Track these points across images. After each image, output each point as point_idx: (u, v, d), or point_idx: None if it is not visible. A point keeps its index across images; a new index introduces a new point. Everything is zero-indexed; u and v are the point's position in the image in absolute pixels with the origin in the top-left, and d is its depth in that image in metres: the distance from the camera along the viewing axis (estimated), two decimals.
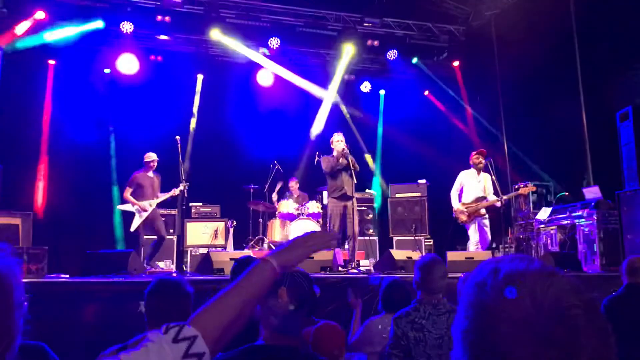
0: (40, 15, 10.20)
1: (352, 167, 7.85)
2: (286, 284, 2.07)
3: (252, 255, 6.70)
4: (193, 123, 12.04)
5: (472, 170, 8.65)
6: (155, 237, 8.52)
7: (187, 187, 8.38)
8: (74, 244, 9.00)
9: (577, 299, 0.80)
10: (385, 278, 4.20)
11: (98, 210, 10.45)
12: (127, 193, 8.60)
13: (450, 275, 3.60)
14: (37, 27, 10.29)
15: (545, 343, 0.77)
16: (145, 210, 8.49)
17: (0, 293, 1.08)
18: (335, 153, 8.07)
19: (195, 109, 12.15)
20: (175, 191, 8.50)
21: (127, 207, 8.65)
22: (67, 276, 6.29)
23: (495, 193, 8.47)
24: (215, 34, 11.19)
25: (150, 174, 8.78)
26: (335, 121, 12.77)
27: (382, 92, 13.66)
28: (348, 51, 12.06)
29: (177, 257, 8.76)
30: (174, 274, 6.64)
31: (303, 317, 2.13)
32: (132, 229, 8.52)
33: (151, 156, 8.83)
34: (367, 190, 11.30)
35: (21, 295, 1.12)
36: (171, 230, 8.39)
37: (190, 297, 2.67)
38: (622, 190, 7.86)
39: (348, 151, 7.93)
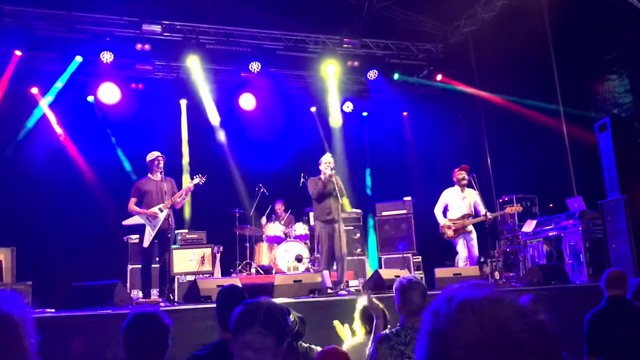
0: (17, 53, 10.25)
1: (338, 190, 7.84)
2: (261, 322, 2.05)
3: (237, 283, 6.64)
4: (185, 147, 12.03)
5: (456, 188, 8.66)
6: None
7: (203, 181, 7.69)
8: (59, 277, 8.87)
9: (523, 322, 0.85)
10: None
11: (83, 242, 10.32)
12: (131, 204, 7.53)
13: (438, 292, 3.59)
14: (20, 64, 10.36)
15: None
16: (156, 217, 7.45)
17: (15, 337, 1.13)
18: (322, 176, 8.04)
19: (184, 134, 12.13)
20: (190, 186, 7.66)
21: (133, 220, 7.80)
22: (53, 310, 6.19)
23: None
24: (194, 64, 11.31)
25: (157, 176, 7.66)
26: (317, 141, 12.85)
27: (364, 114, 13.77)
28: (331, 71, 12.21)
29: (162, 285, 8.57)
30: (161, 304, 6.56)
31: (281, 349, 2.11)
32: (146, 244, 7.53)
33: (154, 154, 7.72)
34: (353, 210, 11.30)
35: (33, 337, 1.17)
36: (156, 258, 8.21)
37: (168, 329, 2.64)
38: (604, 200, 7.95)
39: (334, 177, 7.92)
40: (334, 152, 12.26)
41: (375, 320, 3.70)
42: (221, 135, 12.19)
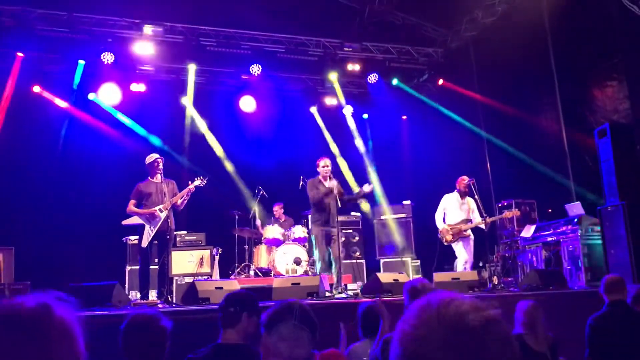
0: (19, 54, 10.29)
1: (337, 194, 7.84)
2: (297, 316, 2.10)
3: (236, 285, 6.64)
4: (186, 149, 12.02)
5: (455, 194, 8.72)
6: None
7: (204, 183, 7.68)
8: (58, 277, 8.85)
9: (476, 314, 0.91)
10: (362, 303, 4.18)
11: (82, 242, 10.31)
12: (130, 205, 7.51)
13: None
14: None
15: (453, 350, 0.88)
16: (155, 217, 7.43)
17: (70, 342, 1.11)
18: (319, 177, 8.06)
19: (185, 136, 12.12)
20: (191, 187, 7.58)
21: (133, 220, 7.77)
22: None
23: (480, 214, 8.53)
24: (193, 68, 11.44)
25: (157, 178, 7.64)
26: (317, 144, 12.84)
27: (365, 116, 13.75)
28: (332, 74, 12.29)
29: (161, 287, 8.56)
30: (159, 306, 6.56)
31: (312, 345, 2.18)
32: (144, 244, 7.50)
33: (153, 156, 7.73)
34: (352, 213, 11.29)
35: (84, 342, 1.17)
36: (155, 260, 8.19)
37: (166, 331, 2.63)
38: (603, 206, 7.95)
39: (332, 181, 7.91)
40: (334, 155, 12.30)
41: (381, 323, 3.71)
42: (221, 137, 12.19)
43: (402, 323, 0.96)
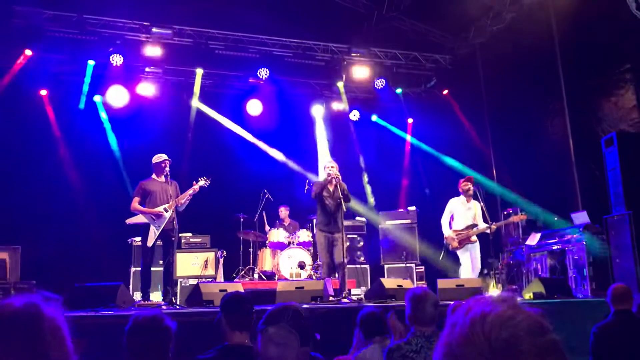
0: (27, 52, 10.33)
1: (341, 197, 7.81)
2: (288, 319, 2.10)
3: (240, 288, 6.65)
4: (191, 151, 12.05)
5: (462, 198, 8.69)
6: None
7: (207, 183, 7.73)
8: (63, 277, 8.88)
9: (532, 342, 0.83)
10: (365, 308, 4.17)
11: (88, 243, 10.35)
12: (135, 203, 7.45)
13: (440, 303, 3.59)
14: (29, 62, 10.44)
15: None
16: (160, 217, 7.41)
17: (60, 340, 1.12)
18: (326, 177, 8.05)
19: (191, 138, 12.14)
20: (195, 187, 7.62)
21: (137, 218, 7.70)
22: None
23: (485, 220, 8.50)
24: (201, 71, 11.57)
25: (162, 178, 7.62)
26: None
27: (374, 118, 13.72)
28: (339, 79, 12.33)
29: (167, 285, 8.55)
30: (163, 307, 6.57)
31: (303, 351, 2.15)
32: (149, 243, 7.43)
33: (161, 156, 7.70)
34: (357, 218, 11.29)
35: (70, 340, 1.16)
36: (160, 262, 8.16)
37: (170, 332, 2.64)
38: (609, 215, 7.93)
39: (339, 183, 7.88)
40: (341, 159, 12.30)
41: (392, 337, 3.72)
42: (228, 140, 12.22)
43: (451, 331, 0.90)
